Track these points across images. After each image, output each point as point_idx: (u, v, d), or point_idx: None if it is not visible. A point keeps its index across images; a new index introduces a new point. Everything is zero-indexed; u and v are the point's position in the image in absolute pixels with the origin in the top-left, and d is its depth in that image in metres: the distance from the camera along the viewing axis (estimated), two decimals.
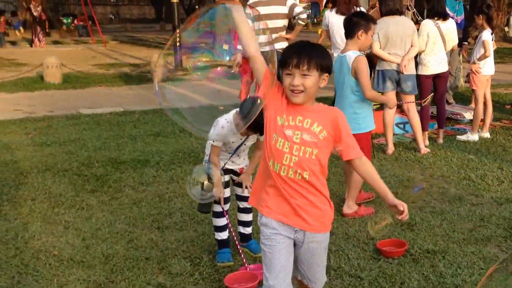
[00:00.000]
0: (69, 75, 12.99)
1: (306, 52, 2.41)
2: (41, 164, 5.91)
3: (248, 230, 3.81)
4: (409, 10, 8.78)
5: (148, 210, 4.57)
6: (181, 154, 6.18)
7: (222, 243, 3.69)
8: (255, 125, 2.68)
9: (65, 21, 25.53)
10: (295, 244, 2.53)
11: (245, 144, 3.60)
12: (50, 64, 12.37)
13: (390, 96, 6.01)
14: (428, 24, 6.56)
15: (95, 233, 4.14)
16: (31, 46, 22.58)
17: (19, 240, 4.02)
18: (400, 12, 6.33)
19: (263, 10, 6.76)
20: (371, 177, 2.52)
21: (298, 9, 6.95)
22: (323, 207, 2.50)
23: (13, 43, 23.53)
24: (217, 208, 3.60)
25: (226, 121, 3.42)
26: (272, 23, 6.73)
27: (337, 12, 6.69)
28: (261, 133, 2.93)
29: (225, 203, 3.62)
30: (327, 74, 2.47)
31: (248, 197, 3.38)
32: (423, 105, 6.28)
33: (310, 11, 38.33)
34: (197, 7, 37.25)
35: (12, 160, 6.07)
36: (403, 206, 2.44)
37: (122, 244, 3.93)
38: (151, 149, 6.52)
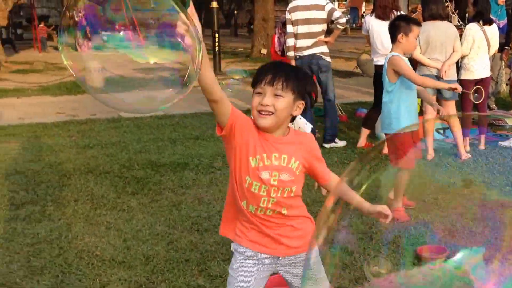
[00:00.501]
0: (111, 79, 13.20)
1: (284, 71, 2.15)
2: (84, 166, 6.03)
3: None
4: (453, 14, 8.62)
5: (187, 213, 4.60)
6: (220, 158, 6.20)
7: None
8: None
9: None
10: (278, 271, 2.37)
11: None
12: (93, 68, 12.61)
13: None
14: (473, 28, 6.43)
15: (135, 234, 4.19)
16: (77, 50, 23.09)
17: (62, 240, 4.10)
18: (442, 17, 6.21)
19: (301, 15, 6.76)
20: (342, 191, 2.12)
21: (337, 14, 6.91)
22: (304, 226, 2.32)
23: (56, 47, 24.10)
24: None
25: None
26: (311, 28, 6.72)
27: (375, 17, 6.65)
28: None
29: None
30: (302, 102, 2.19)
31: None
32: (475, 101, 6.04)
33: (349, 16, 38.13)
34: (235, 12, 37.59)
35: (56, 162, 6.20)
36: (384, 209, 2.19)
37: (162, 245, 3.97)
38: (191, 152, 6.58)
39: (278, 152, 2.18)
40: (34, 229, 4.27)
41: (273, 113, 2.12)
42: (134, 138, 7.45)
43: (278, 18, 17.89)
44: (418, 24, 4.53)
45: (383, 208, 2.20)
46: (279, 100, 2.12)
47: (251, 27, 30.58)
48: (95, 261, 3.74)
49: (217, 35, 14.83)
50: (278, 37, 8.97)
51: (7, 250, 3.90)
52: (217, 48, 14.86)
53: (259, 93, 2.14)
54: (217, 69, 14.81)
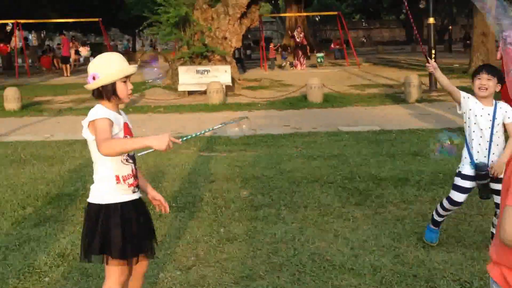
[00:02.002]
0: (329, 95, 13.56)
1: None
2: (310, 175, 6.26)
3: None
4: None
5: (412, 228, 4.49)
6: (442, 175, 5.94)
7: (436, 223, 4.12)
8: None
9: (317, 60, 26.48)
10: None
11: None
12: (313, 85, 13.11)
13: None
14: None
15: (362, 244, 4.22)
16: (293, 68, 24.25)
17: (296, 242, 4.31)
18: None
19: None
20: None
21: None
22: None
23: (280, 66, 25.54)
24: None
25: None
26: None
27: None
28: None
29: None
30: None
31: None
32: None
33: None
34: (450, 27, 35.74)
35: (286, 170, 6.55)
36: None
37: (389, 258, 3.93)
38: (411, 168, 6.41)
39: None
40: (271, 230, 4.57)
41: None
42: (354, 151, 7.52)
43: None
44: None
45: None
46: None
47: (467, 42, 28.75)
48: (326, 265, 3.85)
49: (433, 51, 14.25)
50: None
51: (250, 246, 4.23)
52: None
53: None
54: (433, 85, 14.23)
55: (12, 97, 13.19)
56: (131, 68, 2.74)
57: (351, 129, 9.35)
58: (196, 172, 6.56)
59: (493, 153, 3.79)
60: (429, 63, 4.05)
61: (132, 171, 2.79)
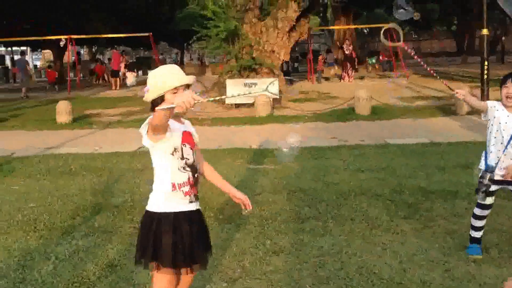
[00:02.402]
0: (376, 107, 13.42)
1: None
2: (357, 188, 6.22)
3: None
4: None
5: (462, 242, 4.39)
6: None
7: (475, 240, 4.19)
8: None
9: (369, 62, 27.62)
10: None
11: None
12: (361, 97, 13.01)
13: None
14: None
15: (411, 258, 4.16)
16: (340, 80, 24.13)
17: (343, 254, 4.29)
18: None
19: None
20: None
21: None
22: None
23: (326, 78, 25.48)
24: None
25: None
26: None
27: None
28: None
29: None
30: None
31: None
32: None
33: None
34: (503, 38, 34.74)
35: (332, 182, 6.53)
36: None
37: (438, 272, 3.86)
38: (460, 181, 6.28)
39: None
40: (318, 242, 4.57)
41: None
42: (401, 163, 7.43)
43: None
44: None
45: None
46: None
47: None
48: (374, 279, 3.82)
49: (486, 63, 13.89)
50: None
51: (297, 259, 4.24)
52: (485, 76, 13.91)
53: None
54: (485, 97, 13.86)
55: (64, 110, 13.68)
56: (179, 81, 2.72)
57: (399, 141, 9.23)
58: (243, 184, 6.62)
59: (503, 161, 3.98)
60: (455, 92, 4.20)
61: (189, 179, 2.85)
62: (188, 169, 2.84)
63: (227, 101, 15.35)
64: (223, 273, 4.03)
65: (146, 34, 24.59)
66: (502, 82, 4.01)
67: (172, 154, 2.78)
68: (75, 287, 3.91)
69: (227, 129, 11.79)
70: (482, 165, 4.12)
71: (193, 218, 2.88)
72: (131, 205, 5.82)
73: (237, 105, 15.33)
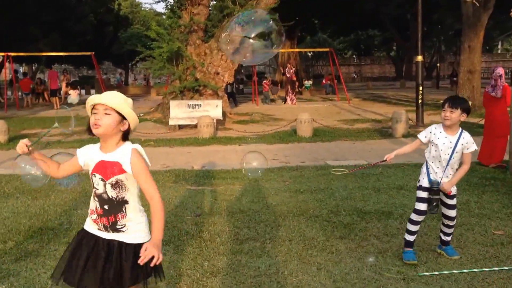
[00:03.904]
0: (318, 130, 13.75)
1: None
2: (296, 209, 6.35)
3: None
4: None
5: (393, 261, 4.58)
6: None
7: (409, 244, 4.60)
8: None
9: (306, 86, 29.95)
10: None
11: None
12: (303, 120, 13.30)
13: None
14: None
15: (344, 277, 4.29)
16: (284, 103, 24.54)
17: (279, 275, 4.36)
18: None
19: None
20: None
21: None
22: None
23: (272, 100, 25.85)
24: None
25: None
26: None
27: None
28: None
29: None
30: None
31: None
32: None
33: None
34: (438, 64, 36.46)
35: (272, 204, 6.64)
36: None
37: None
38: (395, 202, 6.53)
39: None
40: (255, 263, 4.62)
41: None
42: (340, 185, 7.63)
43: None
44: None
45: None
46: None
47: (454, 79, 29.29)
48: None
49: (420, 88, 14.57)
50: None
51: (234, 279, 4.28)
52: (420, 100, 14.58)
53: None
54: (420, 121, 14.48)
55: None
56: (89, 100, 2.90)
57: (339, 163, 9.49)
58: (183, 205, 6.62)
59: (447, 176, 4.47)
60: (385, 160, 4.91)
61: (96, 208, 2.83)
62: (96, 199, 2.84)
63: (170, 122, 15.32)
64: None
65: (88, 53, 24.24)
66: (442, 106, 4.51)
67: (91, 181, 2.88)
68: None
69: (170, 150, 11.75)
70: (423, 182, 4.54)
71: (100, 246, 2.79)
72: (67, 228, 5.70)
73: (181, 126, 15.32)
